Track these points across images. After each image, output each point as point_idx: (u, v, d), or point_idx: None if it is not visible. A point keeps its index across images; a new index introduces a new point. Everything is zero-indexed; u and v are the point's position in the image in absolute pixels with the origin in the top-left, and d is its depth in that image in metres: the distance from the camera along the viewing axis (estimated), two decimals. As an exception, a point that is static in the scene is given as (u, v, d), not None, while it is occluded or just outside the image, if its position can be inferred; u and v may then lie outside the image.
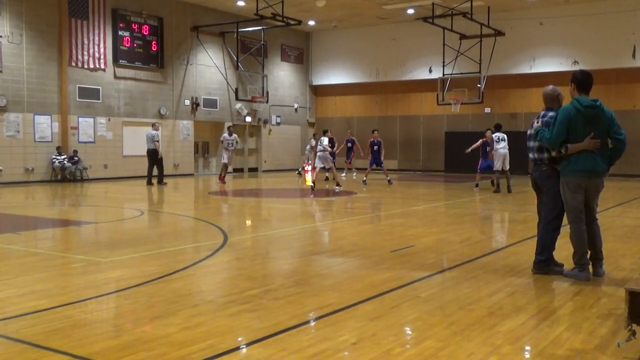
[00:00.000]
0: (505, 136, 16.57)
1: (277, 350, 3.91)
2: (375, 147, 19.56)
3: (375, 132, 20.11)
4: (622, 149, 5.90)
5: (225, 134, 20.49)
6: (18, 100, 19.03)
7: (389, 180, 19.41)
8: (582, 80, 5.91)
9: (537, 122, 6.09)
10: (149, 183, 19.01)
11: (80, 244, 8.67)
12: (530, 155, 6.28)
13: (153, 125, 19.77)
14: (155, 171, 19.04)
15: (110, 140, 21.57)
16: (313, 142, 18.13)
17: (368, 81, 28.82)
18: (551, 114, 6.10)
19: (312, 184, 16.81)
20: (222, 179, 20.18)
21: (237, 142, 21.23)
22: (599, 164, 5.85)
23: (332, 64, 29.73)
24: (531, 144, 6.23)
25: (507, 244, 7.89)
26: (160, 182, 19.16)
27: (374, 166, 19.59)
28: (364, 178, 19.70)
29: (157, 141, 19.01)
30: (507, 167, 16.47)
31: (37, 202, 14.70)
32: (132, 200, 14.95)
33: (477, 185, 17.30)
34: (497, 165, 16.39)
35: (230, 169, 26.37)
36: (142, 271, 6.29)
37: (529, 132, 6.30)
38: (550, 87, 6.31)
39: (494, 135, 16.61)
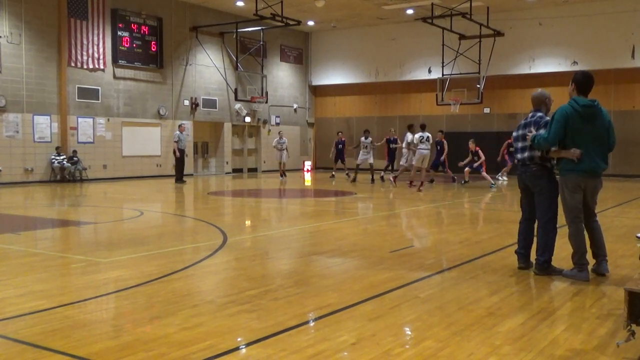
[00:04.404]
0: (430, 136, 18.00)
1: (276, 350, 3.91)
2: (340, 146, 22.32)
3: (340, 133, 23.35)
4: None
5: (362, 138, 20.77)
6: (17, 101, 19.02)
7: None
8: (582, 82, 5.92)
9: (532, 129, 6.11)
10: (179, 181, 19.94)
11: (79, 244, 8.67)
12: (519, 156, 6.31)
13: (179, 126, 20.50)
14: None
15: (110, 140, 21.55)
16: (274, 142, 22.91)
17: (367, 81, 28.80)
18: (540, 114, 6.19)
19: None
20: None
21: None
22: (600, 165, 5.89)
23: (332, 65, 29.72)
24: (519, 144, 6.26)
25: (506, 244, 7.88)
26: (176, 180, 20.05)
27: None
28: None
29: (175, 141, 19.81)
30: (426, 165, 17.89)
31: (36, 203, 14.69)
32: (132, 201, 14.94)
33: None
34: (415, 163, 17.71)
35: (230, 168, 26.47)
36: (142, 271, 6.29)
37: (514, 133, 6.37)
38: (539, 90, 6.45)
39: (417, 135, 17.82)
